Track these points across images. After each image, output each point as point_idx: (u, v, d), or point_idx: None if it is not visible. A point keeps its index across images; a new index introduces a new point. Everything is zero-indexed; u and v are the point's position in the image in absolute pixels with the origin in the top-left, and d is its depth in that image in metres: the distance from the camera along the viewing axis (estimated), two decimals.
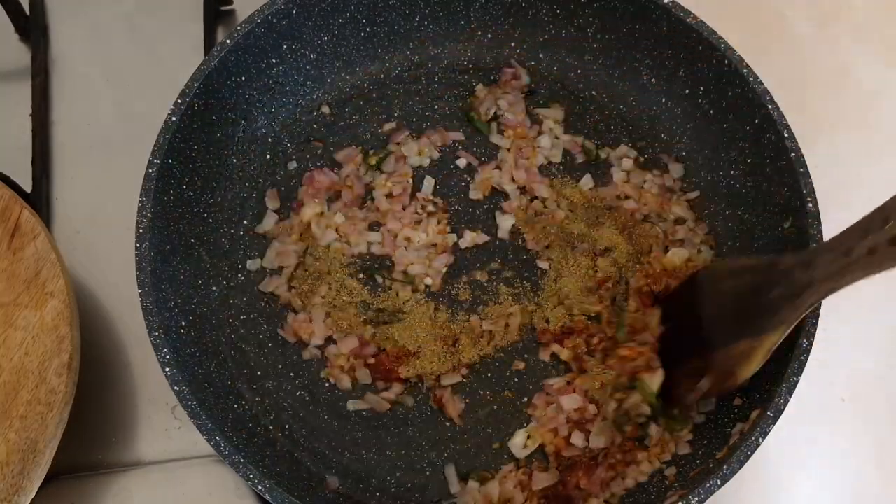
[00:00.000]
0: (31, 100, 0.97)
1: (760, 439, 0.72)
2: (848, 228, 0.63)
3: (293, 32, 0.89)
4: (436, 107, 0.96)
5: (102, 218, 0.94)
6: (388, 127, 0.95)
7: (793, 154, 0.81)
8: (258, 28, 0.86)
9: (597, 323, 0.86)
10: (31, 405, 0.76)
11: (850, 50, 1.01)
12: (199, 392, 0.75)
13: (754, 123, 0.84)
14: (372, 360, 0.85)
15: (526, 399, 0.84)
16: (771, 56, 0.86)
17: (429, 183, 0.93)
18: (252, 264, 0.89)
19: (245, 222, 0.90)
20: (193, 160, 0.85)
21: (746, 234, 0.87)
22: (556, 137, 0.95)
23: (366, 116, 0.95)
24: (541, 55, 0.97)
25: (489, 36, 0.97)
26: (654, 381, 0.78)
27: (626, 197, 0.92)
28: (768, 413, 0.72)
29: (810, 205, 0.79)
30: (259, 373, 0.85)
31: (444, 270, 0.89)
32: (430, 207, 0.92)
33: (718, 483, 0.70)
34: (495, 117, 0.95)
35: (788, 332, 0.70)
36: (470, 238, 0.91)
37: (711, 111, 0.90)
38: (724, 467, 0.71)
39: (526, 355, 0.86)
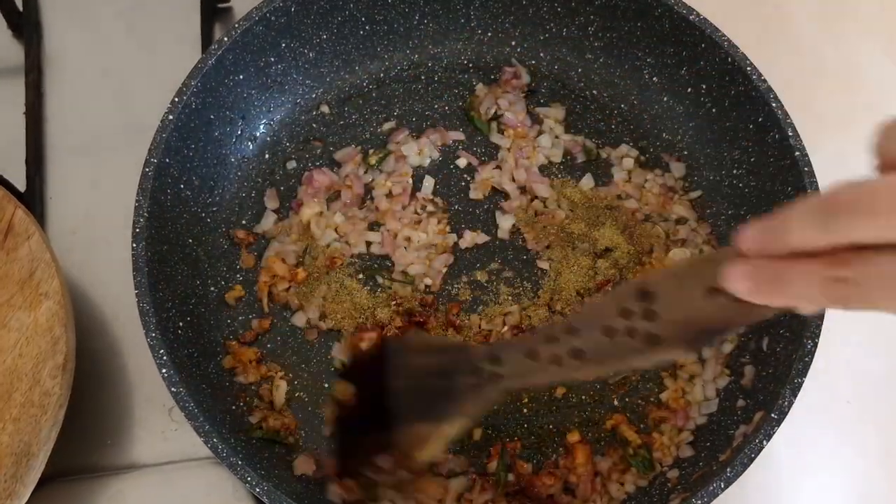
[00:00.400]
0: (24, 97, 0.96)
1: (764, 441, 0.71)
2: (537, 330, 0.63)
3: (292, 30, 0.89)
4: (436, 106, 0.95)
5: (98, 218, 0.93)
6: (387, 126, 0.94)
7: (797, 153, 0.80)
8: (256, 26, 0.85)
9: None
10: (25, 407, 0.75)
11: (856, 47, 1.01)
12: (197, 393, 0.74)
13: (758, 122, 0.84)
14: None
15: None
16: (775, 54, 0.86)
17: (429, 183, 0.92)
18: None
19: (244, 222, 0.90)
20: (191, 159, 0.84)
21: None
22: (557, 137, 0.95)
23: (365, 116, 0.95)
24: (541, 54, 0.96)
25: (489, 34, 0.96)
26: None
27: (627, 197, 0.92)
28: (772, 415, 0.72)
29: None
30: None
31: (444, 270, 0.89)
32: (430, 207, 0.91)
33: (722, 486, 0.70)
34: (495, 117, 0.95)
35: (465, 426, 0.66)
36: (470, 238, 0.90)
37: (714, 110, 0.89)
38: (728, 470, 0.70)
39: None
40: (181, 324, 0.80)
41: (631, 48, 0.92)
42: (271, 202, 0.90)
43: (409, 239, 0.89)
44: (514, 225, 0.91)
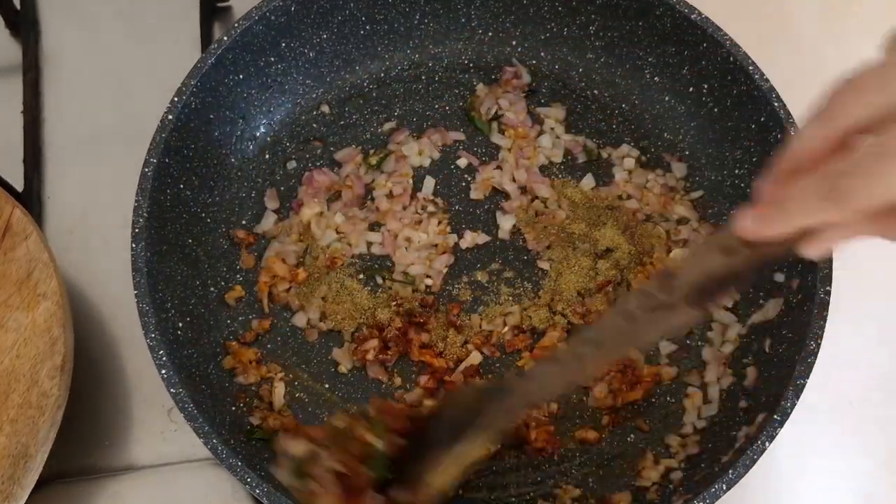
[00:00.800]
0: (21, 96, 0.96)
1: (767, 443, 0.71)
2: (562, 352, 0.65)
3: (292, 30, 0.88)
4: (436, 106, 0.95)
5: (96, 218, 0.92)
6: (388, 126, 0.94)
7: None
8: (256, 25, 0.85)
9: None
10: (23, 409, 0.74)
11: (858, 47, 1.00)
12: (197, 394, 0.74)
13: (760, 122, 0.84)
14: None
15: None
16: (777, 53, 0.85)
17: (429, 183, 0.92)
18: None
19: (244, 222, 0.89)
20: (190, 159, 0.84)
21: None
22: (558, 137, 0.94)
23: (366, 116, 0.94)
24: (542, 54, 0.96)
25: (490, 34, 0.96)
26: None
27: (628, 197, 0.92)
28: (775, 416, 0.72)
29: None
30: None
31: (445, 271, 0.88)
32: (431, 208, 0.91)
33: (724, 488, 0.70)
34: (496, 117, 0.95)
35: (485, 450, 0.67)
36: (470, 238, 0.90)
37: (716, 109, 0.89)
38: (730, 472, 0.70)
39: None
40: (181, 324, 0.79)
41: (632, 47, 0.92)
42: (271, 202, 0.90)
43: (409, 239, 0.89)
44: (514, 225, 0.90)
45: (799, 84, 0.88)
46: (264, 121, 0.92)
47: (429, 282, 0.87)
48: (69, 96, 0.98)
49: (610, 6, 0.90)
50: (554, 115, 0.95)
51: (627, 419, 0.83)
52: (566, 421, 0.83)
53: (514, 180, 0.92)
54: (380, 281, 0.87)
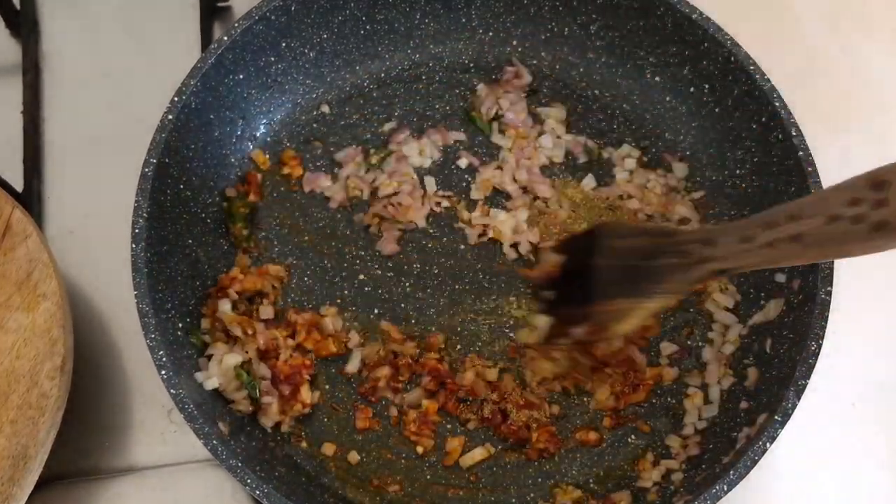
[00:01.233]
0: (21, 96, 0.96)
1: (768, 444, 0.71)
2: (752, 217, 0.66)
3: (292, 30, 0.88)
4: (437, 106, 0.95)
5: (96, 218, 0.92)
6: (388, 126, 0.94)
7: (801, 153, 0.80)
8: (256, 25, 0.85)
9: None
10: (22, 409, 0.74)
11: (860, 47, 1.00)
12: (197, 395, 0.74)
13: (761, 122, 0.84)
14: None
15: None
16: (778, 52, 0.85)
17: (430, 183, 0.92)
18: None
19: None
20: (190, 159, 0.84)
21: None
22: (558, 137, 0.94)
23: (366, 116, 0.94)
24: (542, 53, 0.96)
25: (490, 34, 0.96)
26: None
27: (629, 197, 0.91)
28: (776, 417, 0.71)
29: None
30: None
31: None
32: (445, 203, 0.91)
33: (725, 489, 0.70)
34: (496, 117, 0.94)
35: (665, 304, 0.72)
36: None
37: (717, 109, 0.89)
38: (731, 472, 0.70)
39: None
40: (181, 325, 0.79)
41: (633, 47, 0.92)
42: None
43: None
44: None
45: (800, 84, 0.88)
46: (264, 121, 0.91)
47: None
48: (69, 96, 0.98)
49: (610, 6, 0.90)
50: (554, 115, 0.95)
51: (628, 420, 0.83)
52: (567, 422, 0.83)
53: (514, 180, 0.92)
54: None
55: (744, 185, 0.88)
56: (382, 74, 0.95)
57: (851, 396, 0.87)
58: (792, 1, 1.05)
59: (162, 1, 1.02)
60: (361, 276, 0.88)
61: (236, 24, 0.84)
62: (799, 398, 0.72)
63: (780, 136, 0.82)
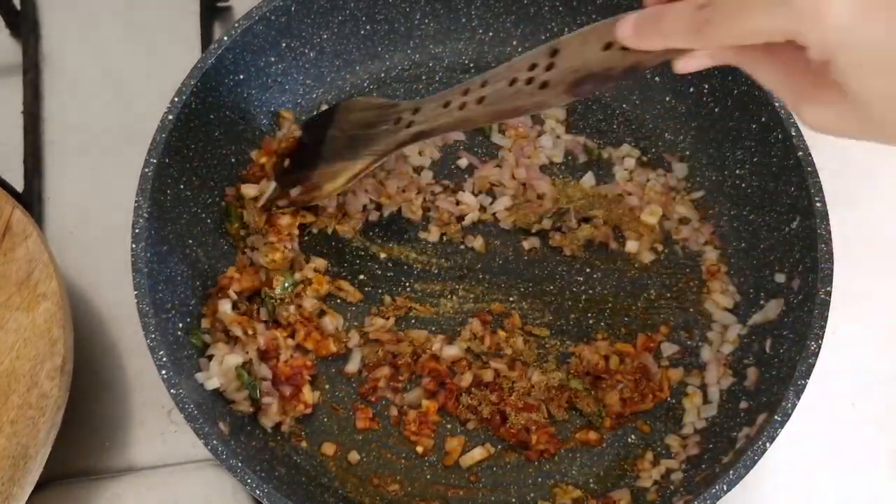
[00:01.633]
0: (22, 96, 0.96)
1: (768, 444, 0.71)
2: (456, 85, 0.73)
3: (292, 30, 0.88)
4: None
5: (96, 218, 0.92)
6: None
7: (800, 153, 0.80)
8: (256, 25, 0.84)
9: None
10: (22, 410, 0.74)
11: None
12: (197, 395, 0.74)
13: (761, 122, 0.84)
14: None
15: None
16: None
17: (427, 175, 0.91)
18: None
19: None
20: (190, 159, 0.84)
21: (752, 234, 0.86)
22: (558, 137, 0.94)
23: None
24: None
25: (490, 34, 0.96)
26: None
27: (629, 194, 0.91)
28: (776, 417, 0.71)
29: (818, 204, 0.78)
30: None
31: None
32: (439, 188, 0.91)
33: (725, 488, 0.70)
34: None
35: (370, 163, 0.79)
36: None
37: (717, 109, 0.89)
38: (731, 472, 0.70)
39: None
40: (181, 325, 0.79)
41: None
42: None
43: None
44: (514, 223, 0.90)
45: None
46: (264, 121, 0.91)
47: None
48: (69, 96, 0.98)
49: (610, 6, 0.90)
50: (554, 115, 0.95)
51: (628, 420, 0.83)
52: (567, 422, 0.83)
53: (513, 178, 0.92)
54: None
55: (743, 185, 0.88)
56: (382, 74, 0.95)
57: (851, 396, 0.87)
58: None
59: (162, 1, 1.02)
60: (362, 277, 0.88)
61: (236, 24, 0.84)
62: (799, 398, 0.72)
63: (779, 136, 0.82)
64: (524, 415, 0.81)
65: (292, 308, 0.83)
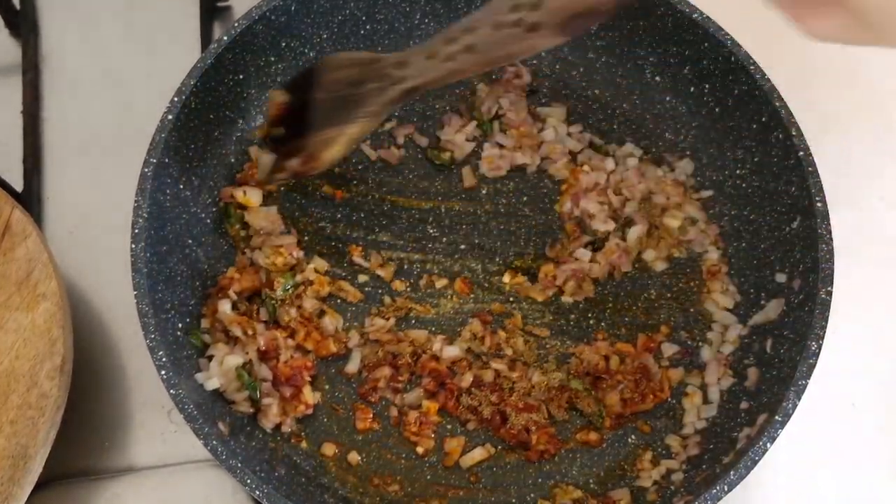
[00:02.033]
0: (21, 96, 0.96)
1: (768, 444, 0.71)
2: (436, 35, 0.71)
3: (292, 30, 0.88)
4: (437, 106, 0.95)
5: (96, 218, 0.92)
6: (388, 126, 0.94)
7: (801, 153, 0.80)
8: (256, 25, 0.84)
9: None
10: (22, 410, 0.74)
11: (860, 46, 1.00)
12: (196, 395, 0.74)
13: (761, 121, 0.84)
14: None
15: None
16: (778, 52, 0.85)
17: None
18: None
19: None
20: (190, 159, 0.84)
21: (753, 234, 0.86)
22: (568, 134, 0.94)
23: None
24: (542, 53, 0.96)
25: None
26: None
27: (654, 195, 0.90)
28: (776, 417, 0.71)
29: (819, 204, 0.78)
30: None
31: None
32: None
33: (725, 489, 0.70)
34: (497, 116, 0.94)
35: (366, 127, 0.76)
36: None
37: (717, 109, 0.89)
38: (731, 472, 0.70)
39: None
40: (180, 325, 0.79)
41: (633, 47, 0.92)
42: None
43: None
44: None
45: (800, 84, 0.88)
46: (264, 121, 0.91)
47: None
48: (69, 96, 0.98)
49: None
50: (555, 114, 0.95)
51: (628, 420, 0.83)
52: (567, 423, 0.83)
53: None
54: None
55: (744, 185, 0.88)
56: None
57: (851, 396, 0.87)
58: None
59: (162, 1, 1.02)
60: (362, 277, 0.88)
61: (236, 24, 0.84)
62: (799, 398, 0.72)
63: (780, 136, 0.82)
64: (524, 415, 0.81)
65: (293, 311, 0.83)
